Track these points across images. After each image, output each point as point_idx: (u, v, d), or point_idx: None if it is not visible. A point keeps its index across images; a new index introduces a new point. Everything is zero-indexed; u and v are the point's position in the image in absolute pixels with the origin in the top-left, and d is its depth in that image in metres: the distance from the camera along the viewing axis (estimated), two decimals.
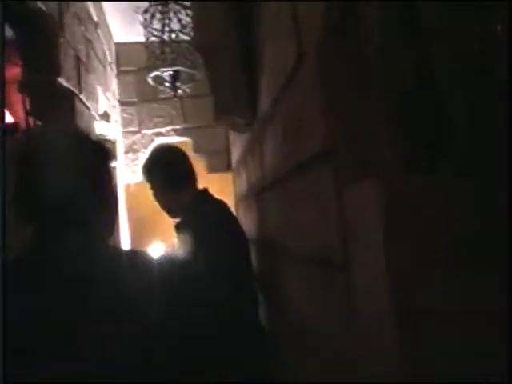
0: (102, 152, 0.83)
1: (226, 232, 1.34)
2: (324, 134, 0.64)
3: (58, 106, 1.28)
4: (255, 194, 1.58)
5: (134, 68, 2.83)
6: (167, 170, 1.43)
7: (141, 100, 2.85)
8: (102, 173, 0.82)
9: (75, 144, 0.78)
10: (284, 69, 0.87)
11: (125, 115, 2.83)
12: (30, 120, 1.77)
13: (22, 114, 2.16)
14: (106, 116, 2.10)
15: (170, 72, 1.92)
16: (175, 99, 2.26)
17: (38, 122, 1.37)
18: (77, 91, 1.45)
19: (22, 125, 2.49)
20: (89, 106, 1.66)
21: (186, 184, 1.46)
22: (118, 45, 2.87)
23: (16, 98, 2.94)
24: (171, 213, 1.50)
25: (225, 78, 1.27)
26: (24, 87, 1.33)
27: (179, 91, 2.01)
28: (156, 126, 2.84)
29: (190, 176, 1.48)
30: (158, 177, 1.43)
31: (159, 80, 1.98)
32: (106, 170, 0.83)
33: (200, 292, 1.03)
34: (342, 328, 0.63)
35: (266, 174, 1.28)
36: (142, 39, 2.28)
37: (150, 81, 1.96)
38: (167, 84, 1.95)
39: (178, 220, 1.48)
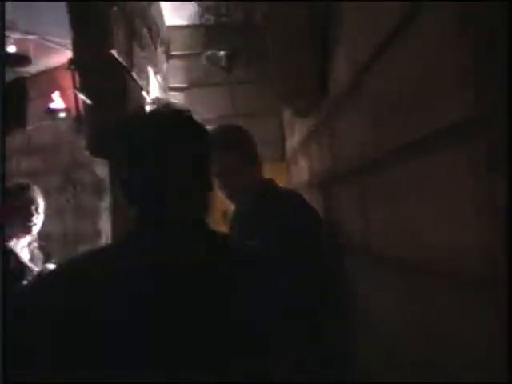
0: (208, 137, 0.82)
1: (314, 222, 1.21)
2: (466, 102, 0.46)
3: (109, 81, 1.17)
4: (320, 184, 1.41)
5: (183, 52, 2.72)
6: (241, 147, 1.26)
7: (190, 85, 2.73)
8: (209, 159, 0.80)
9: (189, 127, 0.77)
10: (382, 26, 0.70)
11: (174, 101, 2.73)
12: (81, 105, 1.69)
13: (73, 100, 2.11)
14: (157, 101, 2.00)
15: (226, 52, 1.77)
16: (228, 82, 2.11)
17: (89, 102, 1.27)
18: (128, 66, 1.34)
19: (73, 110, 2.43)
20: (140, 85, 1.54)
21: (256, 167, 1.29)
22: (168, 28, 2.76)
23: (67, 83, 2.91)
24: (233, 194, 1.31)
25: (292, 52, 1.10)
26: (74, 63, 1.23)
27: (234, 73, 1.87)
28: (205, 113, 2.72)
29: (258, 159, 1.32)
30: (234, 154, 1.24)
31: (214, 60, 1.84)
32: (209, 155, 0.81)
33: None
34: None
35: (339, 161, 1.11)
36: (193, 23, 2.16)
37: (204, 60, 1.83)
38: (222, 64, 1.81)
39: (237, 207, 1.35)
